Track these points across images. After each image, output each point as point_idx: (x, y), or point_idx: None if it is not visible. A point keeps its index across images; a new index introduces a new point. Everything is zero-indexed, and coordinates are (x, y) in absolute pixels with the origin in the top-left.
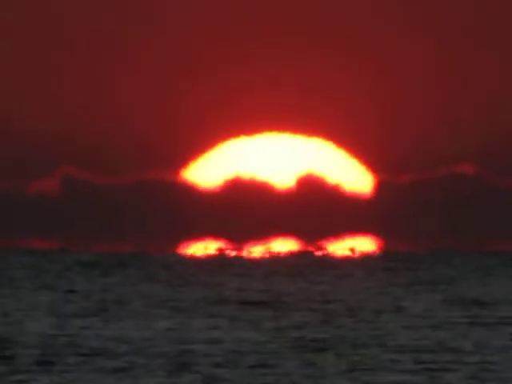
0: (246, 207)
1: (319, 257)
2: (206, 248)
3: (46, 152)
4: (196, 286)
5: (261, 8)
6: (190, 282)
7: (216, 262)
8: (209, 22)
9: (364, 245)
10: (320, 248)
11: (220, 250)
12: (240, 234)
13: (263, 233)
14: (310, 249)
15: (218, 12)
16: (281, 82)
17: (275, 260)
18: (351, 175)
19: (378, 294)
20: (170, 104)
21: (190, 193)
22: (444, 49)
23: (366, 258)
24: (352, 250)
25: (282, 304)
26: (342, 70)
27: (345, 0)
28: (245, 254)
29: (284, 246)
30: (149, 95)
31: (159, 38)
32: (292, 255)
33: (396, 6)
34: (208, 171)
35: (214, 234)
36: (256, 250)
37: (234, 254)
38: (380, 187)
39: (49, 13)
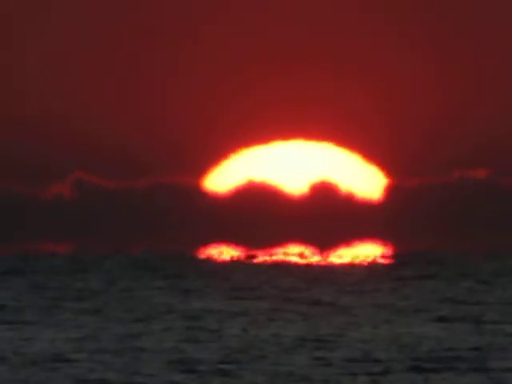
0: (259, 213)
1: None
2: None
3: (62, 155)
4: None
5: (278, 35)
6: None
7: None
8: (233, 47)
9: (375, 250)
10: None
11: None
12: (253, 240)
13: (277, 239)
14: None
15: (247, 38)
16: (294, 95)
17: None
18: (363, 180)
19: None
20: (193, 113)
21: (204, 198)
22: (454, 49)
23: None
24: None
25: None
26: (351, 77)
27: (347, 20)
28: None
29: (299, 251)
30: (172, 102)
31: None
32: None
33: (398, 12)
34: (222, 178)
35: (228, 240)
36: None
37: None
38: (391, 192)
39: (100, 19)
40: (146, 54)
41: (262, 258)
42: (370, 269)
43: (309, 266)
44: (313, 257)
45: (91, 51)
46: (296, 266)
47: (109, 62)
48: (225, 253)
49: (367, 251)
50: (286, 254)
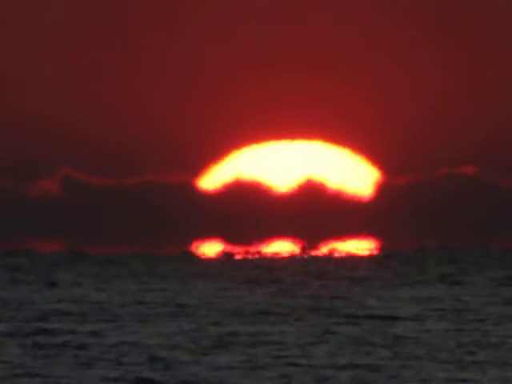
0: (250, 211)
1: None
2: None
3: (49, 151)
4: None
5: (272, 35)
6: None
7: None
8: (228, 49)
9: (363, 246)
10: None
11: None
12: (242, 236)
13: (266, 235)
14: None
15: (243, 40)
16: (286, 95)
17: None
18: (352, 177)
19: None
20: (187, 112)
21: (195, 196)
22: (443, 49)
23: None
24: None
25: None
26: (342, 75)
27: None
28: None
29: (285, 248)
30: (164, 100)
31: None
32: None
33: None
34: (214, 176)
35: (219, 237)
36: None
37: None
38: (380, 188)
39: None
40: (144, 54)
41: (252, 253)
42: (355, 264)
43: (295, 261)
44: (300, 252)
45: (87, 49)
46: (283, 260)
47: (103, 59)
48: (216, 249)
49: (356, 247)
50: (275, 249)
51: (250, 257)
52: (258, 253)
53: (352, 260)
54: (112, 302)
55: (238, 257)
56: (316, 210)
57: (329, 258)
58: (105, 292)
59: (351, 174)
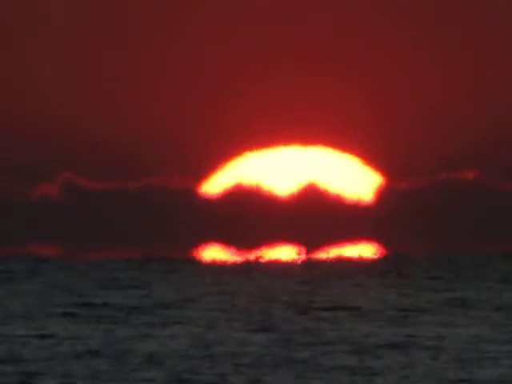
0: (251, 215)
1: None
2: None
3: (50, 155)
4: None
5: (275, 37)
6: None
7: None
8: (233, 51)
9: (364, 251)
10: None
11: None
12: (244, 241)
13: (267, 240)
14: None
15: (242, 44)
16: (289, 99)
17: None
18: (354, 182)
19: None
20: (189, 115)
21: (197, 201)
22: (443, 49)
23: None
24: None
25: None
26: (343, 80)
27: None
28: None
29: (287, 252)
30: (165, 102)
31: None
32: None
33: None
34: (216, 181)
35: (219, 241)
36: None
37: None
38: (381, 193)
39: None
40: (144, 54)
41: (253, 258)
42: (356, 268)
43: (296, 265)
44: (302, 256)
45: (87, 49)
46: (284, 265)
47: (103, 59)
48: (218, 254)
49: (356, 252)
50: (276, 253)
51: (251, 261)
52: (260, 257)
53: (353, 264)
54: (116, 305)
55: (239, 261)
56: (317, 215)
57: (330, 263)
58: (107, 295)
59: (352, 178)
